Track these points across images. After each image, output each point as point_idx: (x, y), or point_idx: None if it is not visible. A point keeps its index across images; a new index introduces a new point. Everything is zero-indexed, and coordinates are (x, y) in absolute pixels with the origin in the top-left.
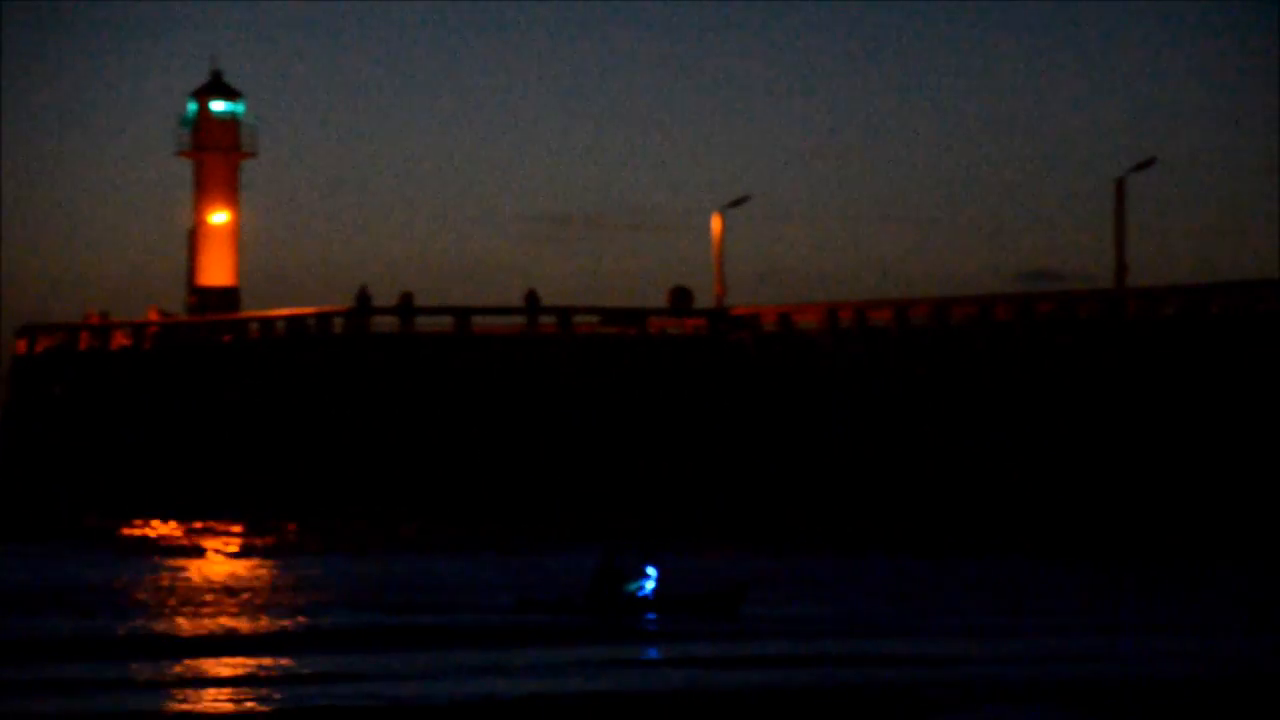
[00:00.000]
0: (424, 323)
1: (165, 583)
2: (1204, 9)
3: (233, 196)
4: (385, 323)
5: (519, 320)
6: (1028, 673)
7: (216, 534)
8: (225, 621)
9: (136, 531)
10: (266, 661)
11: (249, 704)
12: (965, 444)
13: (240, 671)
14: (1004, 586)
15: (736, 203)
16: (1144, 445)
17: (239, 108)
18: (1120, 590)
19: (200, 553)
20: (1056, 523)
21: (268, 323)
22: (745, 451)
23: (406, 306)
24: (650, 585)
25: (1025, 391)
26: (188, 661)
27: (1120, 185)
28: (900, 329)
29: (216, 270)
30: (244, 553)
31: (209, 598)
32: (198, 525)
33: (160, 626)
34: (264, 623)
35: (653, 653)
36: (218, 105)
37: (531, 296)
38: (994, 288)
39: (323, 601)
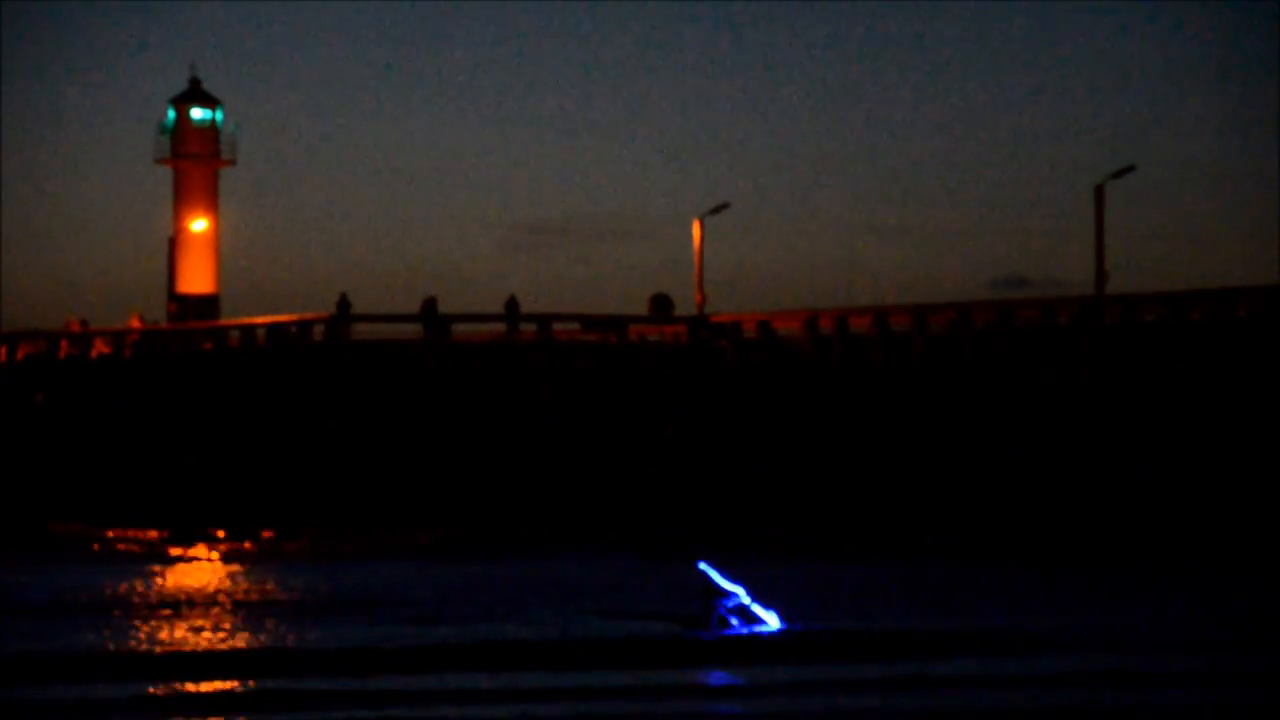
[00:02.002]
0: (402, 330)
1: (147, 592)
2: (1183, 15)
3: (212, 204)
4: (366, 330)
5: (499, 327)
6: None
7: (198, 541)
8: (204, 637)
9: (118, 539)
10: (250, 683)
11: None
12: (945, 450)
13: (219, 689)
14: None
15: (716, 209)
16: (1123, 451)
17: (218, 115)
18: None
19: (182, 560)
20: (1035, 528)
21: (248, 330)
22: (725, 458)
23: (430, 313)
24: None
25: (1005, 397)
26: (172, 682)
27: (1100, 192)
28: (881, 335)
29: (196, 278)
30: (225, 559)
31: (188, 609)
32: (179, 533)
33: (142, 641)
34: (247, 637)
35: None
36: (197, 113)
37: (512, 303)
38: (967, 294)
39: (310, 613)
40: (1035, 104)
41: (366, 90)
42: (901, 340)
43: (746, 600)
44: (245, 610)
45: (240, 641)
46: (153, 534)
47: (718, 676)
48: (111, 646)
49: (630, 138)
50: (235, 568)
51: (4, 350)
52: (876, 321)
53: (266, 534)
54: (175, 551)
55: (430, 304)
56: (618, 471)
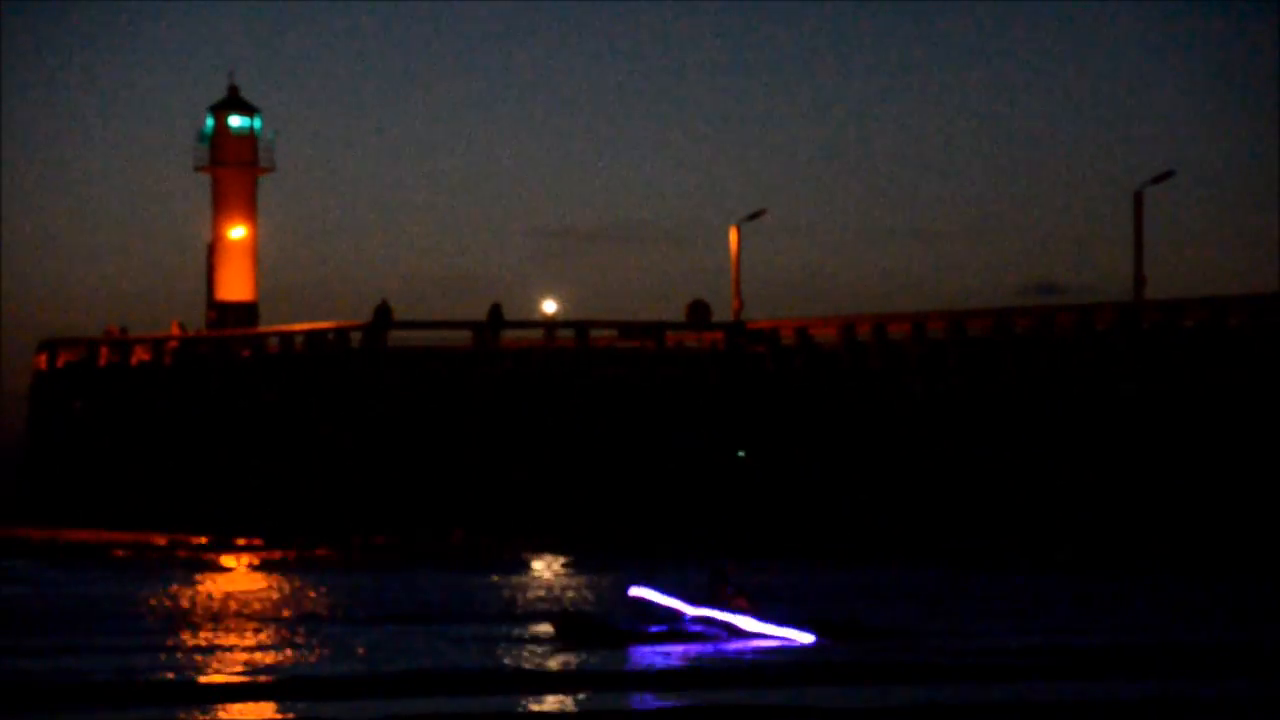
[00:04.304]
0: (441, 336)
1: (187, 603)
2: (1222, 20)
3: (251, 211)
4: (403, 337)
5: (537, 334)
6: None
7: (236, 549)
8: (252, 657)
9: (157, 547)
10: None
11: None
12: (983, 456)
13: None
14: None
15: (753, 216)
16: (1162, 457)
17: (256, 123)
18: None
19: (220, 569)
20: (1072, 535)
21: (287, 338)
22: (762, 465)
23: (495, 319)
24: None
25: (1043, 404)
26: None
27: (1139, 198)
28: (918, 342)
29: (235, 285)
30: (264, 568)
31: (231, 621)
32: (217, 540)
33: (187, 658)
34: (291, 655)
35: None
36: (235, 120)
37: (548, 311)
38: (1001, 300)
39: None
40: (1072, 109)
41: (404, 97)
42: (939, 346)
43: (696, 613)
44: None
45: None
46: (190, 541)
47: None
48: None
49: (668, 144)
50: (269, 577)
51: (44, 357)
52: (914, 328)
53: (309, 541)
54: (206, 559)
55: (496, 310)
56: (656, 477)
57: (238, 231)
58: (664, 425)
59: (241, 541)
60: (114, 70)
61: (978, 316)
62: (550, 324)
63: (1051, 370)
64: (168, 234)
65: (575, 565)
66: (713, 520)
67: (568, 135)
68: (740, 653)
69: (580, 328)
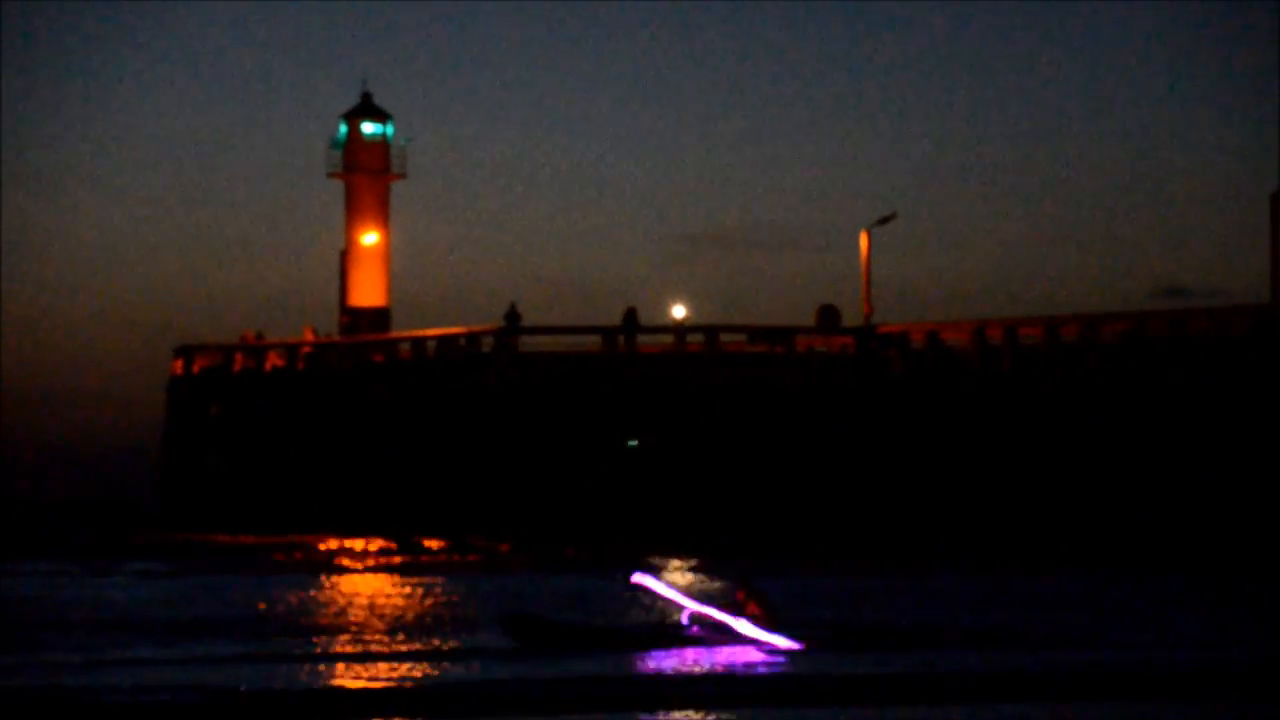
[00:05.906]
0: (571, 341)
1: (328, 606)
2: None
3: (383, 217)
4: (534, 342)
5: (667, 339)
6: None
7: (370, 553)
8: (402, 667)
9: (292, 549)
10: None
11: None
12: (1117, 461)
13: None
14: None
15: (884, 220)
16: None
17: (389, 130)
18: None
19: (351, 571)
20: (1219, 544)
21: (419, 342)
22: (892, 469)
23: (630, 323)
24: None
25: (1179, 408)
26: None
27: (1276, 200)
28: (1050, 345)
29: (367, 291)
30: (398, 571)
31: (374, 625)
32: (351, 544)
33: (334, 671)
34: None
35: None
36: (368, 127)
37: (677, 316)
38: (1129, 304)
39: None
40: (1206, 111)
41: (534, 103)
42: (1073, 350)
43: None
44: None
45: None
46: (324, 544)
47: None
48: None
49: (797, 149)
50: (404, 580)
51: (180, 363)
52: (1046, 332)
53: (442, 545)
54: (341, 563)
55: (631, 314)
56: (786, 482)
57: (370, 237)
58: (793, 430)
59: (374, 545)
60: (248, 77)
61: (1112, 320)
62: (680, 329)
63: (1187, 375)
64: (301, 240)
65: (704, 569)
66: (840, 525)
67: (697, 140)
68: (700, 660)
69: (710, 333)
